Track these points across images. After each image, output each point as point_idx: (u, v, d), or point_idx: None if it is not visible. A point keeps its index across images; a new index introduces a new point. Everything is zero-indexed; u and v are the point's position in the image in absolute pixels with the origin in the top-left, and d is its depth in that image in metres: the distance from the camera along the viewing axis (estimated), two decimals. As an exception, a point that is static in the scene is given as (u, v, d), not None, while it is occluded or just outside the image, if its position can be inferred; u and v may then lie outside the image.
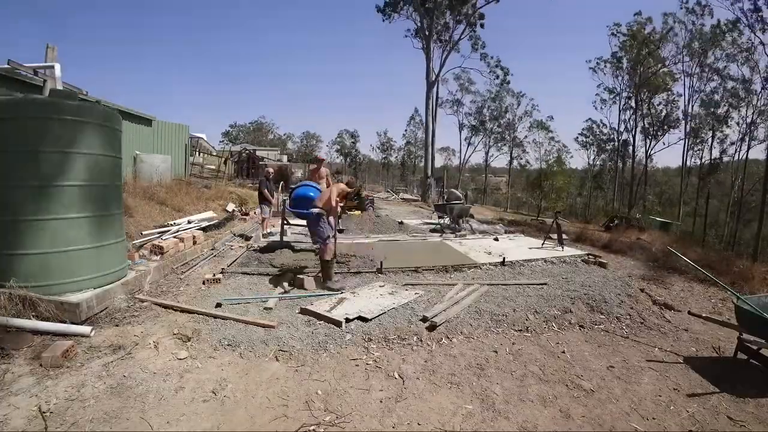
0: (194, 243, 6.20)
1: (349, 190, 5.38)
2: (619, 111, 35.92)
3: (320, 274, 4.86)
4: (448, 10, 26.07)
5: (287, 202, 6.44)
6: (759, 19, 23.84)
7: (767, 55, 24.85)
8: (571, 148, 43.73)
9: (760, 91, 27.51)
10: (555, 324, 4.16)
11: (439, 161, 49.88)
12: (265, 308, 3.97)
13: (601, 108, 38.16)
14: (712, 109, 30.73)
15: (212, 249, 6.47)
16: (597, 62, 35.50)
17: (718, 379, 3.25)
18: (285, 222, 6.84)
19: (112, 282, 3.97)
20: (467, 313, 4.11)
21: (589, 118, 42.42)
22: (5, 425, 2.16)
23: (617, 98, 35.83)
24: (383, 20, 27.28)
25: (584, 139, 42.22)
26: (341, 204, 5.48)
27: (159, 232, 6.13)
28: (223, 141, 54.45)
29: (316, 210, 4.78)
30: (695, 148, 33.27)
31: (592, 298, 4.72)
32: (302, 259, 5.91)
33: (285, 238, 6.97)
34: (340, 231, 8.37)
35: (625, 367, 3.37)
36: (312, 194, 6.27)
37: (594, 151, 42.42)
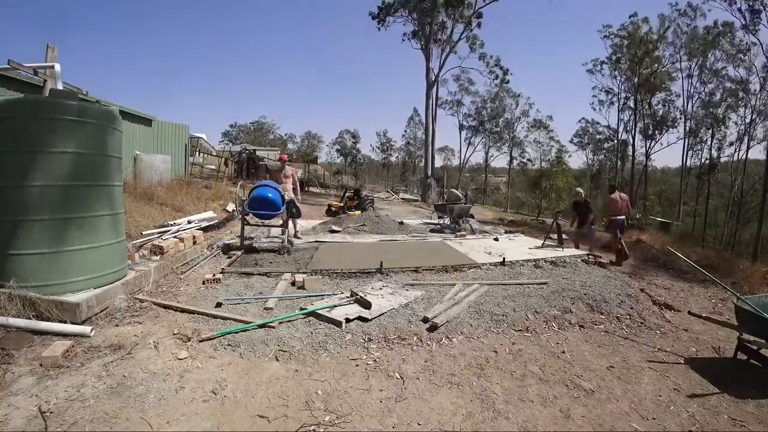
0: (194, 243, 6.20)
1: None
2: (618, 111, 36.03)
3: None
4: (443, 9, 26.03)
5: (245, 203, 6.37)
6: (754, 20, 23.99)
7: (765, 54, 24.96)
8: (569, 148, 43.77)
9: (759, 91, 27.59)
10: (555, 324, 4.16)
11: (439, 161, 49.92)
12: (266, 308, 3.97)
13: (599, 109, 38.32)
14: (711, 110, 30.84)
15: (210, 248, 6.48)
16: (593, 64, 35.60)
17: (718, 379, 3.25)
18: (246, 223, 6.71)
19: (112, 282, 3.97)
20: (467, 313, 4.11)
21: (583, 118, 42.38)
22: (5, 425, 2.16)
23: (615, 99, 35.94)
24: (378, 28, 27.25)
25: (579, 140, 42.31)
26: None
27: (159, 232, 6.13)
28: (223, 141, 54.43)
29: None
30: (694, 148, 33.37)
31: (592, 298, 4.72)
32: (301, 259, 5.91)
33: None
34: (334, 231, 8.38)
35: (625, 367, 3.37)
36: (270, 195, 6.23)
37: (591, 150, 42.49)
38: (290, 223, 7.05)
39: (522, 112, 43.93)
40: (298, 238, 7.43)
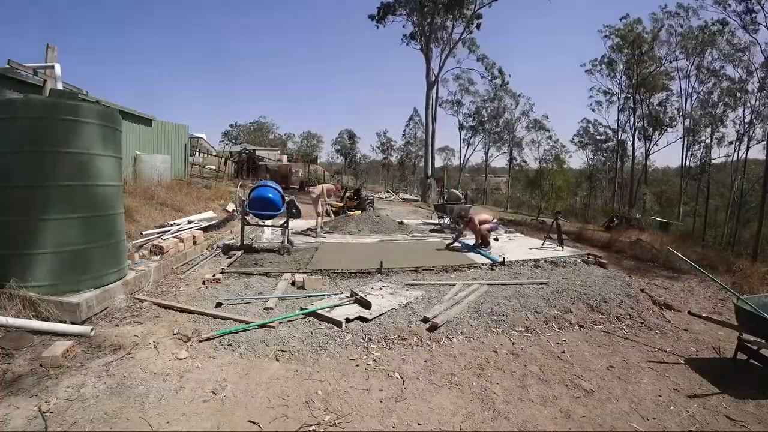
0: (194, 243, 6.20)
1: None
2: (618, 111, 35.99)
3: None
4: (443, 11, 26.03)
5: (245, 203, 6.39)
6: (752, 20, 24.02)
7: (763, 54, 24.99)
8: (569, 148, 43.69)
9: (758, 92, 27.58)
10: (555, 324, 4.16)
11: (439, 161, 49.87)
12: (266, 308, 3.97)
13: (598, 110, 38.19)
14: (709, 109, 30.81)
15: (210, 249, 6.47)
16: (592, 64, 35.53)
17: (718, 379, 3.25)
18: (246, 223, 6.70)
19: (112, 282, 3.97)
20: (467, 313, 4.11)
21: (585, 118, 42.42)
22: (5, 425, 2.16)
23: (614, 99, 35.89)
24: (376, 26, 27.17)
25: (580, 140, 42.23)
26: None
27: (159, 232, 6.13)
28: (223, 141, 54.48)
29: None
30: (693, 148, 33.34)
31: (592, 298, 4.72)
32: (301, 259, 5.91)
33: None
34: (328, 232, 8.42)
35: (625, 367, 3.37)
36: (270, 195, 6.23)
37: (591, 151, 42.44)
38: (318, 219, 8.26)
39: (522, 112, 43.93)
40: (323, 235, 8.15)
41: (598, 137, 40.82)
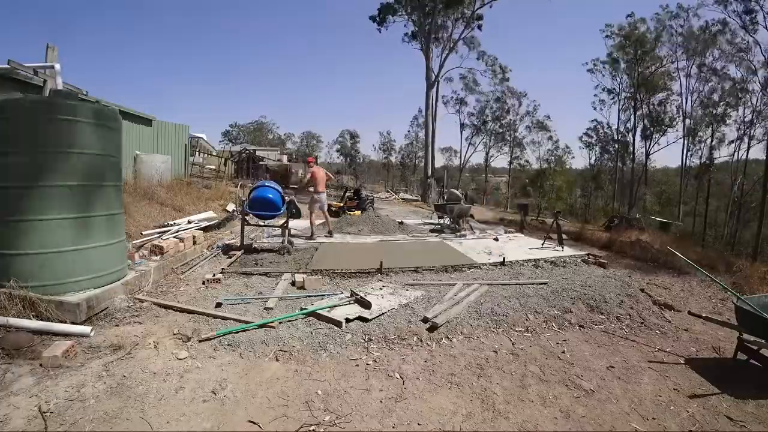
0: (194, 243, 6.20)
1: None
2: (619, 111, 35.95)
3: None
4: (443, 12, 26.07)
5: (245, 204, 6.38)
6: (751, 21, 24.08)
7: (763, 54, 25.01)
8: (573, 147, 43.55)
9: (760, 92, 27.56)
10: (555, 324, 4.16)
11: (440, 161, 49.81)
12: (266, 308, 3.97)
13: (600, 109, 38.14)
14: (710, 109, 30.80)
15: (210, 249, 6.47)
16: (594, 63, 35.52)
17: (719, 379, 3.25)
18: (246, 223, 6.69)
19: (112, 282, 3.97)
20: (467, 313, 4.11)
21: (595, 119, 42.37)
22: (5, 425, 2.16)
23: (616, 98, 35.84)
24: (378, 29, 27.20)
25: (588, 139, 42.07)
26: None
27: (159, 232, 6.13)
28: (223, 141, 54.52)
29: None
30: (693, 148, 33.31)
31: (592, 298, 4.72)
32: (301, 259, 5.91)
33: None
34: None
35: (625, 367, 3.37)
36: (270, 195, 6.23)
37: (597, 151, 42.31)
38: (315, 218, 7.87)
39: (526, 111, 43.83)
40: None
41: (606, 137, 40.61)
